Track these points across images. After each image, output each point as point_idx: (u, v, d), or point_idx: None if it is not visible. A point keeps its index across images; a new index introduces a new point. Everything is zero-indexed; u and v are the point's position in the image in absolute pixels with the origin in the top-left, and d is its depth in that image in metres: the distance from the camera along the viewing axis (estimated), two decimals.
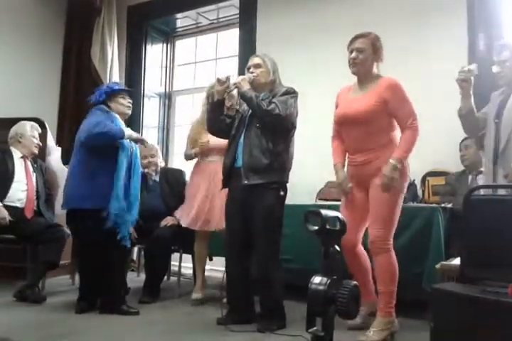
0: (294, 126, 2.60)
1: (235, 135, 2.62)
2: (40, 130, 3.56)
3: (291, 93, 2.55)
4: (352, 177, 2.42)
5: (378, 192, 2.27)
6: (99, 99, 2.90)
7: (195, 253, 3.25)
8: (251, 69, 2.62)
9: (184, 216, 3.15)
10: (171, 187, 3.48)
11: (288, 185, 2.64)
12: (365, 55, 2.33)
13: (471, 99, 2.34)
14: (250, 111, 2.57)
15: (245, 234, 2.55)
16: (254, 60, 2.66)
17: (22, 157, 3.39)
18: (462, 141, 3.07)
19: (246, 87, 2.52)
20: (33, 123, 3.51)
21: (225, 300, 2.96)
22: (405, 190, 2.37)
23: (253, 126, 2.53)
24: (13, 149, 3.39)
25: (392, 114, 2.31)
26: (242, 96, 2.54)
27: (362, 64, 2.35)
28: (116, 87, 2.98)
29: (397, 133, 2.37)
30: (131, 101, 3.01)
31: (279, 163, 2.51)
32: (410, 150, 2.29)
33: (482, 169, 2.95)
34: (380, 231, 2.25)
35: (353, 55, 2.35)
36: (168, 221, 3.30)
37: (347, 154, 2.47)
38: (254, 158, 2.47)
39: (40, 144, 3.54)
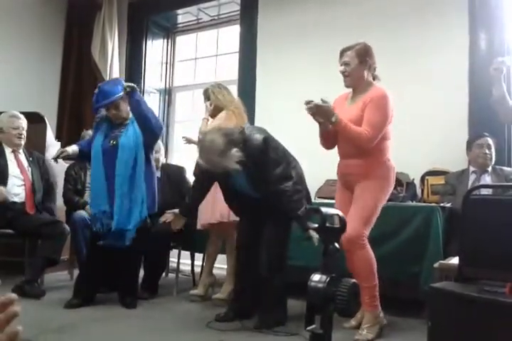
0: (284, 151, 2.52)
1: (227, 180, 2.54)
2: (21, 117, 3.36)
3: (264, 148, 2.35)
4: (340, 179, 2.53)
5: (361, 192, 2.35)
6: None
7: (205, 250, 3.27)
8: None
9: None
10: (172, 184, 3.48)
11: None
12: (351, 67, 2.38)
13: (502, 88, 2.61)
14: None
15: (255, 234, 2.58)
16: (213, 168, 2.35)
17: (12, 151, 3.33)
18: (479, 138, 3.04)
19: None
20: (12, 112, 3.34)
21: (214, 296, 2.97)
22: (387, 195, 2.41)
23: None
24: (3, 144, 3.34)
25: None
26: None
27: (350, 76, 2.40)
28: (96, 105, 2.84)
29: (388, 143, 2.41)
30: (117, 108, 2.82)
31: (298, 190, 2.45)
32: (349, 133, 2.29)
33: (488, 168, 2.97)
34: (356, 228, 2.26)
35: (341, 68, 2.42)
36: (166, 217, 3.30)
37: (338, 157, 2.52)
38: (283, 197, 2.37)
39: (22, 133, 3.34)
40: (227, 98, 3.04)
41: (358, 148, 2.34)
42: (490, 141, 3.00)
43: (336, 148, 2.53)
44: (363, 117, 2.32)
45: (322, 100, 2.29)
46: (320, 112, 2.29)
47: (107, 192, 2.78)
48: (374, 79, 2.46)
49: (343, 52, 2.44)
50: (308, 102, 2.28)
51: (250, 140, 2.36)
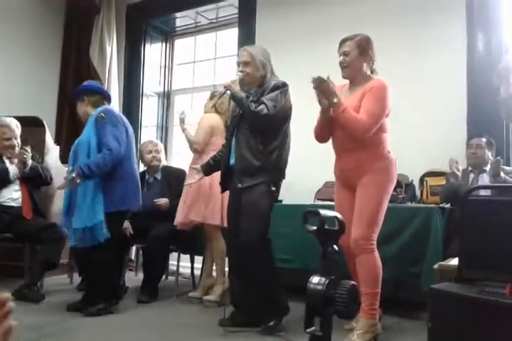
0: (286, 120, 2.50)
1: (228, 135, 2.62)
2: (12, 125, 3.31)
3: (281, 87, 2.45)
4: (339, 178, 2.45)
5: (364, 191, 2.26)
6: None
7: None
8: (240, 68, 2.54)
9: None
10: (171, 186, 3.48)
11: (287, 185, 2.61)
12: (351, 58, 2.32)
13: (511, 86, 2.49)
14: (240, 110, 2.53)
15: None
16: (242, 57, 2.55)
17: (8, 157, 3.32)
18: (472, 138, 3.05)
19: (236, 88, 2.45)
20: (2, 121, 3.28)
21: (205, 297, 2.99)
22: (391, 191, 2.32)
23: (242, 127, 2.49)
24: None
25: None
26: (232, 97, 2.50)
27: (349, 67, 2.34)
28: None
29: (386, 136, 2.33)
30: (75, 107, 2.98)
31: (271, 163, 2.44)
32: (346, 118, 2.21)
33: (485, 168, 2.97)
34: (363, 230, 2.20)
35: (341, 58, 2.35)
36: (161, 201, 3.32)
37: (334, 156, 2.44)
38: (245, 160, 2.42)
39: (14, 144, 3.28)
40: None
41: (354, 136, 2.24)
42: (482, 140, 2.98)
43: (332, 146, 2.44)
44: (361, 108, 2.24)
45: (328, 78, 2.22)
46: (323, 89, 2.21)
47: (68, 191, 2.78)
48: (372, 72, 2.38)
49: (342, 43, 2.36)
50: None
51: (274, 79, 2.52)
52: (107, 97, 2.97)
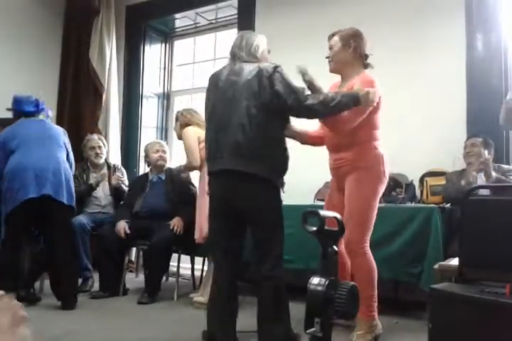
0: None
1: None
2: None
3: None
4: (333, 176, 2.41)
5: (351, 191, 2.22)
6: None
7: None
8: None
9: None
10: (175, 187, 3.49)
11: (287, 185, 2.54)
12: (334, 51, 2.34)
13: None
14: None
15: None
16: None
17: None
18: (468, 139, 3.06)
19: None
20: None
21: (195, 298, 2.97)
22: (380, 189, 2.25)
23: None
24: None
25: None
26: None
27: (333, 60, 2.35)
28: None
29: (377, 133, 2.27)
30: None
31: None
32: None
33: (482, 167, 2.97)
34: (354, 234, 2.16)
35: (327, 54, 2.39)
36: (174, 222, 3.28)
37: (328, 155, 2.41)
38: None
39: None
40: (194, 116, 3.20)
41: (337, 130, 2.19)
42: (477, 140, 2.96)
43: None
44: None
45: (299, 67, 2.22)
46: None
47: None
48: (366, 67, 2.35)
49: (329, 38, 2.40)
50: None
51: None
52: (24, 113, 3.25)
